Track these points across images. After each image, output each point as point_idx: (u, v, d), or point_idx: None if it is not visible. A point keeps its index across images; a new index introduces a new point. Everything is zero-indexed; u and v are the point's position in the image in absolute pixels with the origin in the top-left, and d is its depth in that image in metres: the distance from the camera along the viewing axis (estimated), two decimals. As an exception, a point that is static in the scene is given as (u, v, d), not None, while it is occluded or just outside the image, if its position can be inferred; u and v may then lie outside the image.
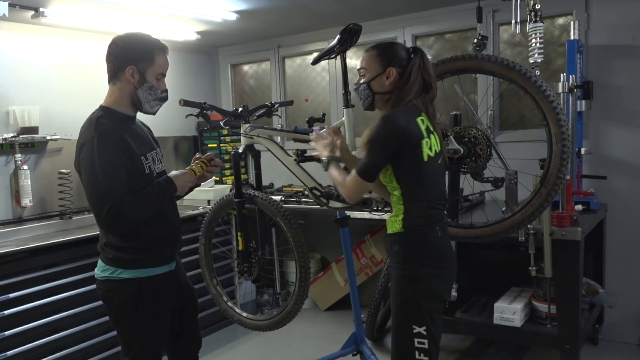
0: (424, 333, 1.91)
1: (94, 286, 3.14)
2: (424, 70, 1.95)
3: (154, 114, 2.09)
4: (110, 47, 1.98)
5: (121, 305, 2.02)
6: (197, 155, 2.27)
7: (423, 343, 1.92)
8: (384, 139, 1.88)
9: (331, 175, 2.07)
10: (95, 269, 2.07)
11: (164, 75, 2.03)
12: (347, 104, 2.36)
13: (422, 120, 1.94)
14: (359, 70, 2.04)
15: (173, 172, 2.11)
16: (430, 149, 1.93)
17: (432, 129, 1.96)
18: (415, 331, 1.92)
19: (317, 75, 4.62)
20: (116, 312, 2.05)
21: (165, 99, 2.06)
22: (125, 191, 1.89)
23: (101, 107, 2.01)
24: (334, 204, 2.41)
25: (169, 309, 2.13)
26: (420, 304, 1.92)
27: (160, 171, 2.11)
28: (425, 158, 1.91)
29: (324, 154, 2.12)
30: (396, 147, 1.87)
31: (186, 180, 2.12)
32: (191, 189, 2.25)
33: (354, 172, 1.93)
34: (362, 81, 2.02)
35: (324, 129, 2.23)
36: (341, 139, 2.18)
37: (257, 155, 2.66)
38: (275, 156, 2.47)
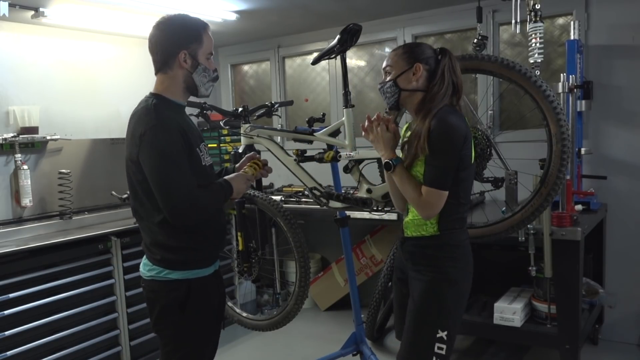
0: (445, 338, 1.87)
1: (93, 286, 3.21)
2: (452, 71, 1.90)
3: (208, 96, 2.00)
4: (153, 36, 1.87)
5: (166, 307, 1.89)
6: (251, 155, 2.19)
7: (442, 349, 1.87)
8: (451, 140, 1.79)
9: (398, 185, 1.90)
10: (141, 267, 1.95)
11: (212, 54, 1.93)
12: (347, 104, 2.36)
13: (466, 120, 1.91)
14: (384, 69, 1.98)
15: (229, 176, 2.02)
16: (474, 150, 1.92)
17: None
18: (438, 336, 1.87)
19: (317, 75, 4.62)
20: (160, 314, 1.91)
21: (217, 78, 1.97)
22: (192, 184, 1.79)
23: (153, 94, 1.89)
24: (334, 204, 2.41)
25: (214, 312, 2.02)
26: (451, 307, 1.89)
27: (210, 164, 2.01)
28: (472, 160, 1.90)
29: (386, 155, 1.92)
30: (461, 148, 1.81)
31: (242, 184, 2.01)
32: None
33: (427, 188, 1.81)
34: (387, 79, 1.95)
35: (375, 118, 1.96)
36: (398, 133, 1.98)
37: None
38: (275, 156, 2.47)
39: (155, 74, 1.92)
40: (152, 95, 1.89)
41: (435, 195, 1.81)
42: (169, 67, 1.86)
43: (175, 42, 1.84)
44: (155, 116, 1.78)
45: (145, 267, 1.93)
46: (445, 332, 1.87)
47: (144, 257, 1.96)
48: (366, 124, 1.99)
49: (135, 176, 1.84)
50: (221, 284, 2.13)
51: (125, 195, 3.49)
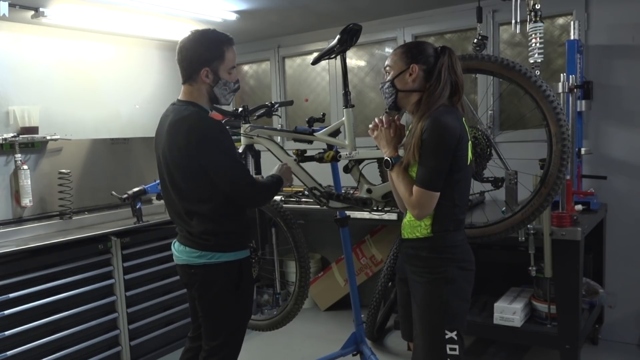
0: (455, 338, 1.85)
1: (93, 286, 3.21)
2: (452, 70, 1.87)
3: (229, 104, 2.23)
4: (181, 51, 2.06)
5: (223, 287, 2.10)
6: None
7: (454, 349, 1.85)
8: (443, 141, 1.78)
9: (394, 183, 1.93)
10: (185, 256, 2.12)
11: (234, 67, 2.12)
12: (347, 104, 2.36)
13: (465, 121, 1.89)
14: (384, 68, 2.00)
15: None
16: (470, 152, 1.90)
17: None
18: (447, 337, 1.85)
19: (317, 75, 4.62)
20: (216, 295, 2.11)
21: (238, 89, 2.18)
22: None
23: (190, 102, 2.07)
24: (334, 204, 2.41)
25: (254, 288, 2.31)
26: (454, 306, 1.87)
27: None
28: (468, 162, 1.88)
29: (387, 153, 1.96)
30: (454, 149, 1.79)
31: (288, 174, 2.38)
32: None
33: (417, 188, 1.80)
34: (386, 79, 1.97)
35: (383, 118, 2.00)
36: (403, 132, 2.00)
37: (257, 155, 2.66)
38: (275, 156, 2.47)
39: (182, 84, 2.11)
40: (188, 102, 2.07)
41: (425, 195, 1.80)
42: (194, 80, 2.06)
43: (198, 59, 2.03)
44: (210, 122, 2.02)
45: (192, 255, 2.09)
46: (455, 332, 1.86)
47: (181, 247, 2.13)
48: (372, 124, 2.02)
49: (191, 180, 2.03)
50: None
51: (125, 196, 3.50)
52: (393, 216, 3.16)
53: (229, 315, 2.14)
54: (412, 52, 1.92)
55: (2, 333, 2.81)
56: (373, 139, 2.03)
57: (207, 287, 2.12)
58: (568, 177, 2.92)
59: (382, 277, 3.57)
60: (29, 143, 3.49)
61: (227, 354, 2.17)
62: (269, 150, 2.49)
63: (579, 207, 3.08)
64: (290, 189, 4.27)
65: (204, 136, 1.97)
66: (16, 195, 3.44)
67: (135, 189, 3.53)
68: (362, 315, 3.05)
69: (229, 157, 2.01)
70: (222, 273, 2.09)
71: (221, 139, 1.99)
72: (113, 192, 3.56)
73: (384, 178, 2.34)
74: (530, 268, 2.89)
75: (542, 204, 2.15)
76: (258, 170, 2.72)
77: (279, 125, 4.39)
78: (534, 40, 2.71)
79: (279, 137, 3.57)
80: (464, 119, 1.90)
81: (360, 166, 2.33)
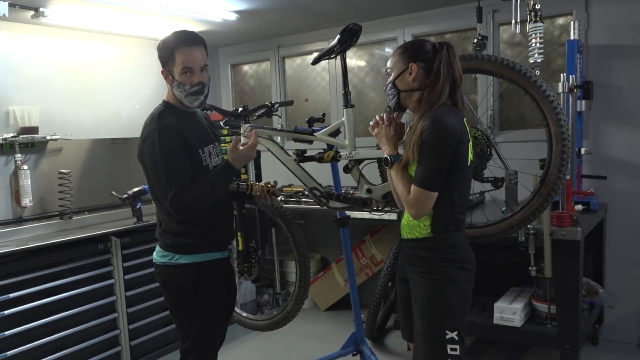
0: (456, 338, 1.85)
1: (93, 286, 3.22)
2: (449, 67, 1.85)
3: (196, 107, 2.16)
4: None
5: (180, 290, 2.10)
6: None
7: (455, 349, 1.86)
8: (443, 141, 1.78)
9: (392, 181, 1.94)
10: (154, 254, 2.16)
11: (192, 69, 2.04)
12: (347, 104, 2.36)
13: (466, 120, 1.88)
14: (386, 70, 2.01)
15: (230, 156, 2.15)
16: (471, 152, 1.90)
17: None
18: (448, 337, 1.85)
19: (317, 75, 4.62)
20: (175, 296, 2.12)
21: (197, 92, 2.07)
22: (186, 182, 2.00)
23: (164, 101, 2.15)
24: (334, 204, 2.41)
25: (224, 295, 2.22)
26: (454, 307, 1.86)
27: (216, 165, 2.18)
28: (469, 162, 1.87)
29: (387, 150, 1.95)
30: (454, 149, 1.79)
31: (235, 152, 2.13)
32: None
33: (415, 187, 1.81)
34: (388, 80, 1.98)
35: (385, 114, 1.99)
36: (403, 130, 1.99)
37: (257, 155, 2.66)
38: (275, 156, 2.47)
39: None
40: (162, 102, 2.15)
41: (423, 195, 1.80)
42: (165, 81, 2.13)
43: (160, 62, 2.11)
44: (156, 123, 2.03)
45: (158, 254, 2.14)
46: (455, 332, 1.86)
47: (157, 245, 2.17)
48: (373, 121, 2.02)
49: (150, 180, 2.10)
50: (230, 272, 2.31)
51: (125, 196, 3.50)
52: (393, 216, 3.16)
53: (191, 318, 2.12)
54: (409, 51, 1.92)
55: (2, 333, 2.81)
56: (373, 136, 2.03)
57: (166, 288, 2.14)
58: (568, 177, 2.92)
59: (382, 277, 3.57)
60: (29, 143, 3.49)
61: (199, 354, 2.15)
62: (269, 150, 2.49)
63: (579, 207, 3.08)
64: (290, 189, 4.27)
65: (146, 135, 2.03)
66: (16, 195, 3.44)
67: (135, 189, 3.53)
68: (362, 315, 3.05)
69: (158, 161, 1.98)
70: (178, 275, 2.08)
71: (157, 141, 1.98)
72: (113, 192, 3.56)
73: (384, 178, 2.34)
74: (530, 268, 2.89)
75: (542, 204, 2.15)
76: (258, 170, 2.72)
77: (279, 125, 4.38)
78: (534, 40, 2.71)
79: (279, 137, 3.56)
80: (465, 119, 1.89)
81: (360, 166, 2.33)
